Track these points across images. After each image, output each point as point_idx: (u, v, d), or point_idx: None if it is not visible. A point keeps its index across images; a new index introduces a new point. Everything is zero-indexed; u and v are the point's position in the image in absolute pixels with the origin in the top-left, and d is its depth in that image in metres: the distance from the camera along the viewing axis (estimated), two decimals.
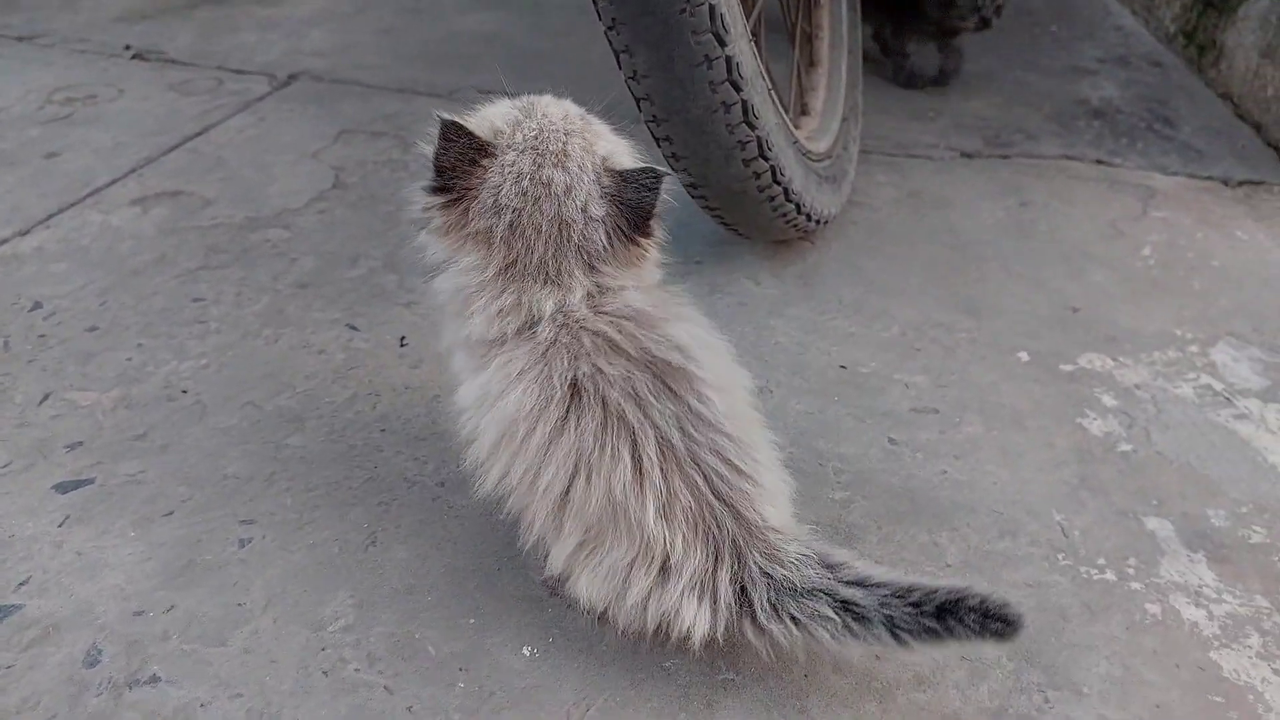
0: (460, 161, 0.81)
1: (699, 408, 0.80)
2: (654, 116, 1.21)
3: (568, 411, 0.79)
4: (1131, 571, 1.09)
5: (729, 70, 1.14)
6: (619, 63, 1.16)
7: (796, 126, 1.71)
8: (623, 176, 0.83)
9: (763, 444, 0.86)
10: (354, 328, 1.40)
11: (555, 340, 0.81)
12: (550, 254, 0.82)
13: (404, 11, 2.78)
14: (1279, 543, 1.15)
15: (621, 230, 0.83)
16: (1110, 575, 1.08)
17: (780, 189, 1.35)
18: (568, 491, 0.79)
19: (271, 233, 1.64)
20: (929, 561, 1.08)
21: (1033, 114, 2.35)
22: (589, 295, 0.83)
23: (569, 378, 0.79)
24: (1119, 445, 1.29)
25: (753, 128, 1.22)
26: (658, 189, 0.83)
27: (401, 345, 1.37)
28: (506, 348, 0.82)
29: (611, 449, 0.77)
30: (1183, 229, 1.87)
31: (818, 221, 1.54)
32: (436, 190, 0.83)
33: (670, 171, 0.81)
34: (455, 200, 0.82)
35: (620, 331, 0.81)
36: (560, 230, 0.82)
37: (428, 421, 1.22)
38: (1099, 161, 2.11)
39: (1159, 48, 2.88)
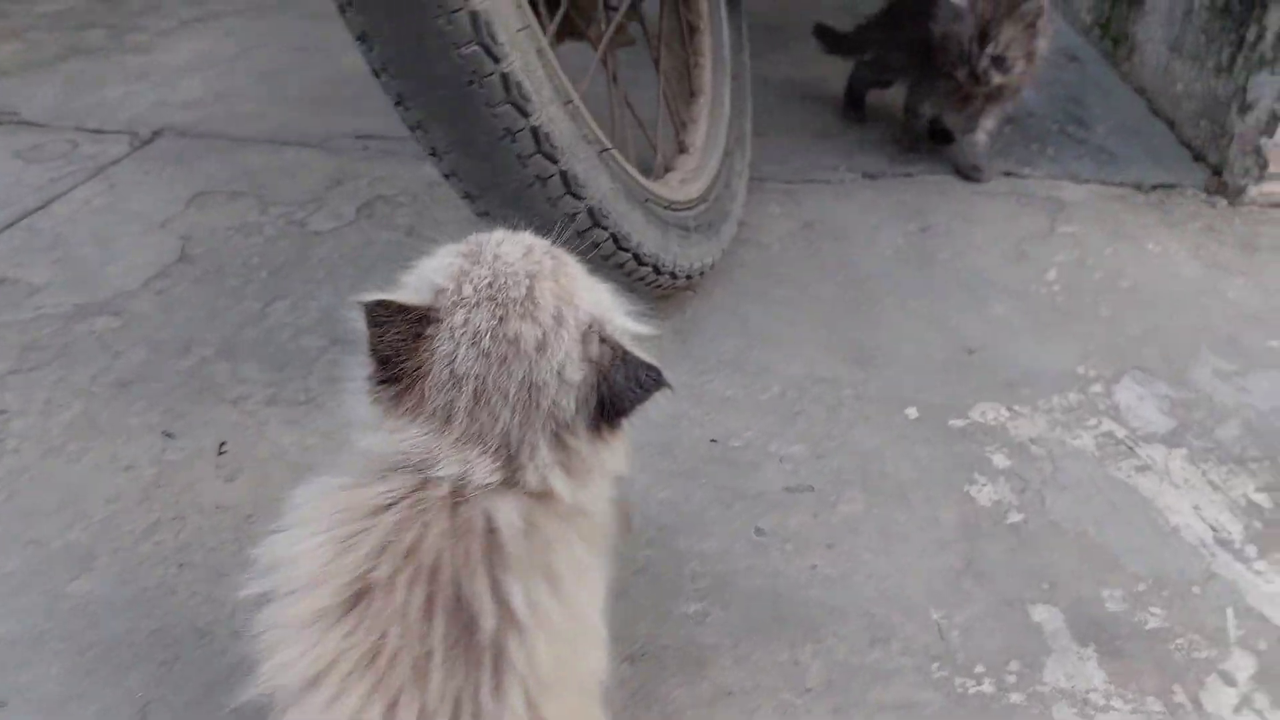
0: (402, 343, 0.65)
1: (489, 707, 0.59)
2: (467, 193, 1.07)
3: (342, 608, 0.60)
4: (1012, 679, 0.97)
5: (538, 142, 1.00)
6: (416, 139, 1.02)
7: (670, 169, 1.58)
8: (624, 359, 0.66)
9: None
10: (170, 435, 1.25)
11: (404, 505, 0.63)
12: (515, 423, 0.66)
13: (291, 50, 2.61)
14: (1177, 625, 1.03)
15: (595, 412, 0.67)
16: (988, 686, 0.96)
17: (629, 255, 1.22)
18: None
19: (100, 321, 1.48)
20: (787, 687, 0.95)
21: None
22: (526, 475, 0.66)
23: (362, 570, 0.60)
24: (1009, 516, 1.17)
25: (579, 197, 1.08)
26: (652, 391, 0.67)
27: (220, 453, 1.22)
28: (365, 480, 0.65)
29: (364, 691, 0.58)
30: (1092, 245, 1.74)
31: (687, 277, 1.40)
32: (383, 382, 0.67)
33: (664, 376, 0.66)
34: (407, 386, 0.66)
35: (459, 543, 0.62)
36: (530, 395, 0.66)
37: (235, 549, 1.08)
38: (1007, 174, 1.99)
39: (1077, 41, 2.76)
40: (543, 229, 0.90)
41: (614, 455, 0.70)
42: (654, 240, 1.27)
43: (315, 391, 1.34)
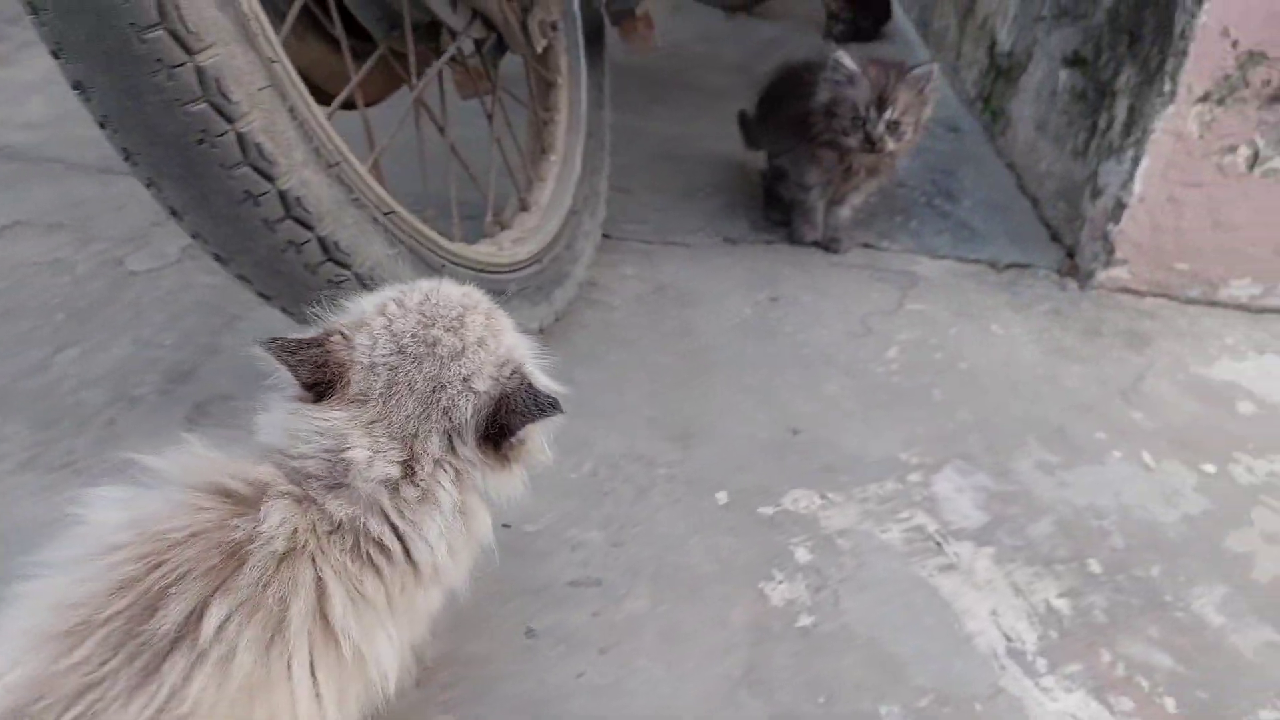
0: (318, 364, 0.70)
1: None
2: (217, 256, 0.98)
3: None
4: None
5: (287, 206, 0.92)
6: (153, 197, 0.92)
7: (505, 226, 1.51)
8: (529, 385, 0.73)
9: None
10: None
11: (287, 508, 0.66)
12: (416, 414, 0.70)
13: None
14: None
15: (486, 422, 0.72)
16: None
17: None
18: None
19: None
20: None
21: None
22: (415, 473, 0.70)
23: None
24: (800, 618, 1.11)
25: (344, 265, 1.00)
26: (546, 414, 0.72)
27: None
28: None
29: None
30: (937, 324, 1.72)
31: None
32: (316, 397, 0.71)
33: (559, 403, 0.73)
34: (331, 391, 0.71)
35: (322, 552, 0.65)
36: (434, 391, 0.71)
37: None
38: (866, 245, 1.97)
39: (962, 112, 2.79)
40: (309, 299, 0.83)
41: (506, 483, 0.75)
42: None
43: (79, 455, 1.22)
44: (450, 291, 0.77)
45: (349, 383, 0.70)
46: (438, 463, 0.70)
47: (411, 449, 0.69)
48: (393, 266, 1.07)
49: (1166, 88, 1.68)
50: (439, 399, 0.71)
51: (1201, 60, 1.64)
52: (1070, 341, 1.71)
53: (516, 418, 0.71)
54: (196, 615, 0.58)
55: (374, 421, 0.69)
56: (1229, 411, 1.56)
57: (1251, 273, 1.82)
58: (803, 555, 1.19)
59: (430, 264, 1.16)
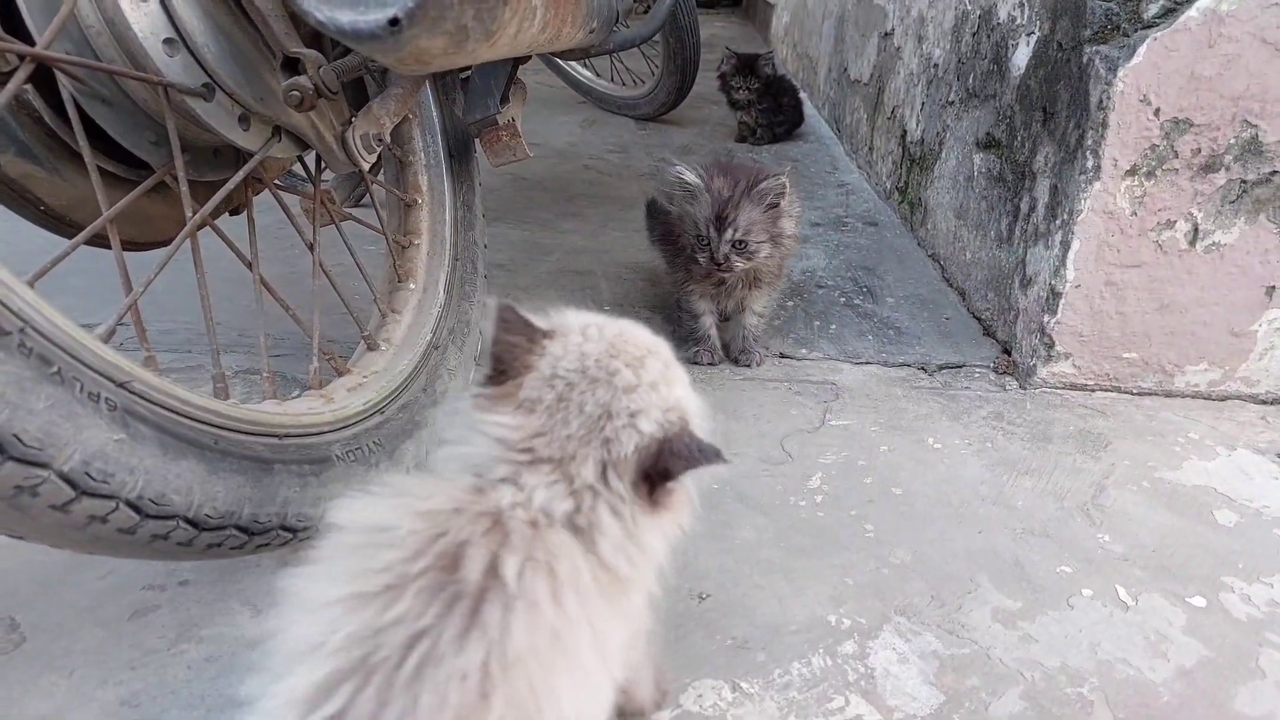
0: (515, 350, 0.70)
1: (446, 650, 0.55)
2: None
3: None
4: None
5: None
6: None
7: (342, 372, 1.24)
8: (691, 434, 0.69)
9: None
10: None
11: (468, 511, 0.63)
12: (578, 436, 0.67)
13: None
14: None
15: (649, 461, 0.67)
16: None
17: (173, 522, 0.85)
18: None
19: None
20: None
21: None
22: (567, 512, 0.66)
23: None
24: None
25: (37, 464, 0.72)
26: (708, 462, 0.67)
27: None
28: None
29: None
30: (865, 442, 1.47)
31: (306, 529, 1.04)
32: (490, 382, 0.70)
33: (722, 454, 0.67)
34: (506, 390, 0.70)
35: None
36: (600, 419, 0.68)
37: None
38: (782, 355, 1.73)
39: (879, 205, 2.62)
40: None
41: (656, 528, 0.69)
42: (231, 494, 0.90)
43: None
44: (640, 334, 0.75)
45: (522, 385, 0.70)
46: (594, 493, 0.67)
47: (567, 471, 0.67)
48: (124, 454, 0.79)
49: (1090, 163, 1.49)
50: (603, 427, 0.68)
51: (1124, 131, 1.46)
52: (1017, 451, 1.46)
53: (678, 461, 0.67)
54: (494, 568, 0.59)
55: (537, 435, 0.68)
56: (1208, 524, 1.31)
57: (1207, 357, 1.60)
58: None
59: (191, 440, 0.88)
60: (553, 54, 1.76)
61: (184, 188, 0.99)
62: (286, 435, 1.01)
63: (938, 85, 2.22)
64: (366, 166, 1.20)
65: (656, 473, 0.67)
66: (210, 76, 0.98)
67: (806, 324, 1.85)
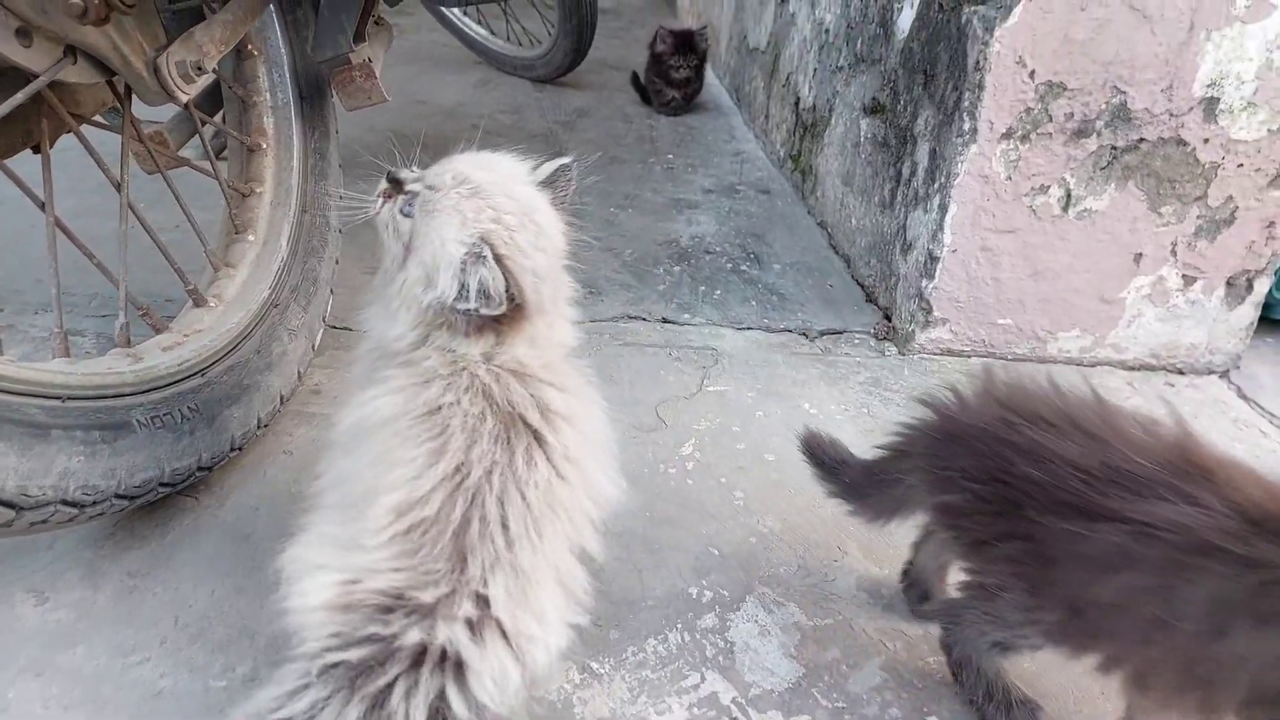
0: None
1: (522, 471, 0.72)
2: None
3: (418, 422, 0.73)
4: None
5: None
6: None
7: (160, 329, 1.10)
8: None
9: (548, 580, 0.72)
10: None
11: (436, 372, 0.76)
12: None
13: None
14: None
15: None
16: None
17: None
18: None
19: None
20: None
21: (610, 261, 1.88)
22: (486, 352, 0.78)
23: (434, 402, 0.74)
24: None
25: None
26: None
27: None
28: (396, 363, 0.78)
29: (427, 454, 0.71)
30: (741, 407, 1.40)
31: (125, 498, 0.90)
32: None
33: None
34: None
35: (496, 381, 0.75)
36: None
37: None
38: (665, 320, 1.65)
39: (773, 173, 2.56)
40: None
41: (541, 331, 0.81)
42: None
43: None
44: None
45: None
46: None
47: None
48: None
49: (966, 125, 1.45)
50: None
51: (999, 94, 1.42)
52: (892, 416, 1.42)
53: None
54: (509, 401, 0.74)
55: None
56: None
57: (1079, 323, 1.59)
58: None
59: None
60: None
61: None
62: (71, 398, 0.87)
63: (829, 51, 2.16)
64: (183, 99, 1.06)
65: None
66: None
67: (692, 290, 1.77)
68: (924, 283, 1.56)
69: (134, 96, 1.06)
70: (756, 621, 1.00)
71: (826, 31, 2.19)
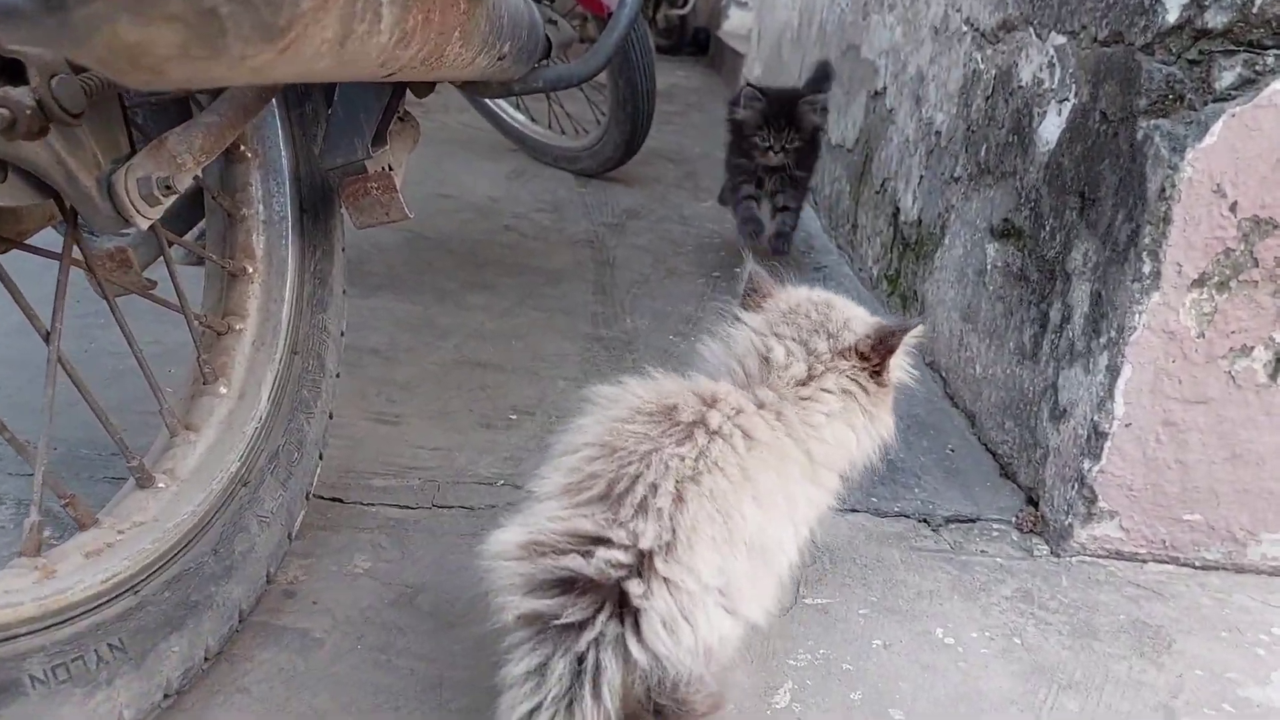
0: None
1: (711, 456, 0.89)
2: None
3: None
4: None
5: None
6: None
7: (87, 524, 0.93)
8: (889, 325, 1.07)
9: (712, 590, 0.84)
10: None
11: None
12: (806, 331, 1.07)
13: None
14: None
15: (873, 339, 1.04)
16: None
17: None
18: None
19: None
20: None
21: None
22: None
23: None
24: None
25: None
26: (911, 331, 1.06)
27: None
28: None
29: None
30: (851, 632, 1.19)
31: None
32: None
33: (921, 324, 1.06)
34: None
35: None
36: (821, 325, 1.06)
37: None
38: None
39: (863, 294, 2.40)
40: None
41: (883, 404, 1.06)
42: None
43: None
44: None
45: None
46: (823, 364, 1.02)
47: (803, 348, 1.03)
48: None
49: (1146, 268, 1.27)
50: (826, 327, 1.04)
51: (1191, 230, 1.24)
52: (1054, 651, 1.20)
53: (895, 336, 1.01)
54: (702, 419, 0.91)
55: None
56: None
57: None
58: None
59: None
60: (462, 87, 1.51)
61: None
62: None
63: (940, 156, 2.02)
64: (144, 224, 0.91)
65: (883, 348, 1.01)
66: None
67: None
68: (1086, 463, 1.36)
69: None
70: None
71: (937, 134, 2.05)
